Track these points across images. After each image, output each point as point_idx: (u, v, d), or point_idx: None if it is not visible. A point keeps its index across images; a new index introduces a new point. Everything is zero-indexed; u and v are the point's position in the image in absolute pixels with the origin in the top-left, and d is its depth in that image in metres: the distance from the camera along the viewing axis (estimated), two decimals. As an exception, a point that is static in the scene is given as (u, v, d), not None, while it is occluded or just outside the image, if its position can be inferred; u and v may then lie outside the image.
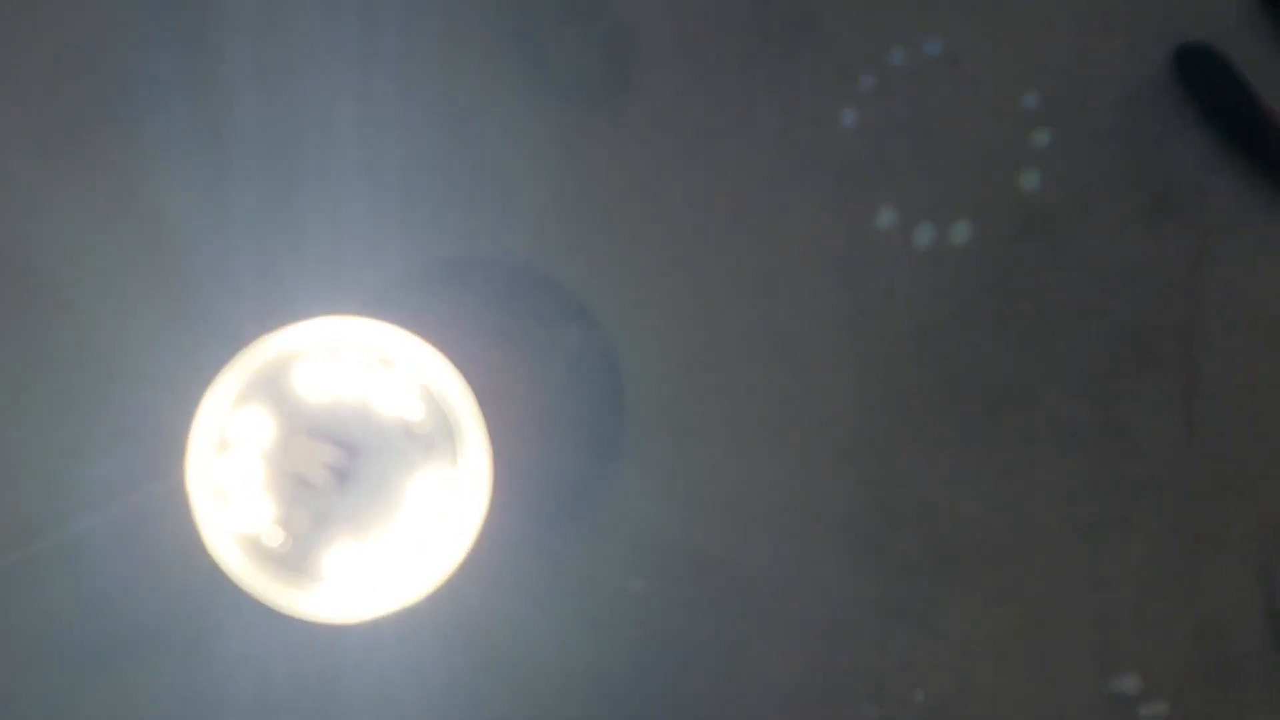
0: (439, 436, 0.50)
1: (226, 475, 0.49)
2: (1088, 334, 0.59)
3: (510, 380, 0.57)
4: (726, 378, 0.59)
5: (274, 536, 0.49)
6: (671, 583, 0.58)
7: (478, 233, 0.59)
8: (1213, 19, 0.60)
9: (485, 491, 0.48)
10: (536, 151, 0.59)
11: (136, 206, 0.58)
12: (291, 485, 0.49)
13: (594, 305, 0.58)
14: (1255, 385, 0.59)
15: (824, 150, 0.59)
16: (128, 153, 0.59)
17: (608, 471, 0.58)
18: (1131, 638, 0.58)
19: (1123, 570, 0.58)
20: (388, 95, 0.59)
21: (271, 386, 0.50)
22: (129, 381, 0.58)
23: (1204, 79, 0.59)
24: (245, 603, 0.49)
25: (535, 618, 0.58)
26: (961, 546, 0.58)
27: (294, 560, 0.49)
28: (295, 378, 0.50)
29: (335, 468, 0.50)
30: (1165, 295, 0.59)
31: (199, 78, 0.59)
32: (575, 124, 0.59)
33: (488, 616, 0.57)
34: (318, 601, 0.49)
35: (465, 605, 0.54)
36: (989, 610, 0.58)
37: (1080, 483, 0.58)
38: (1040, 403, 0.59)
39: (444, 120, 0.59)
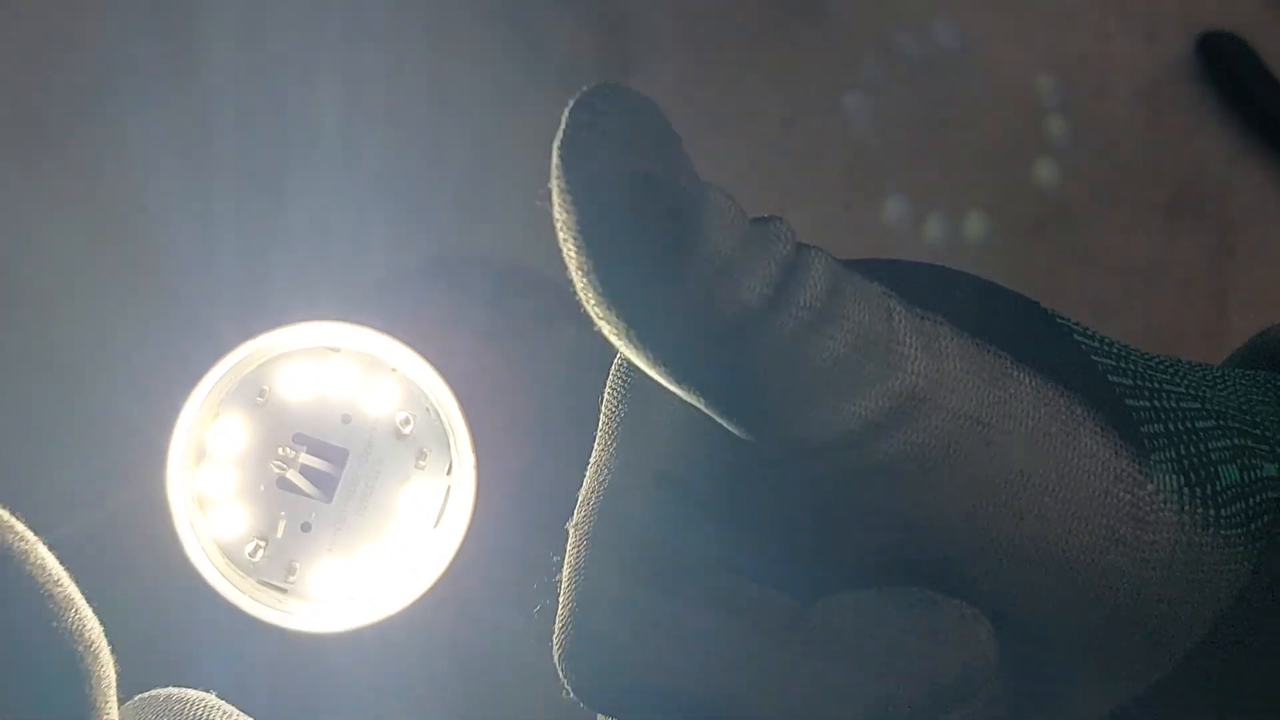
0: (428, 442, 0.49)
1: (206, 483, 0.48)
2: (1106, 333, 0.58)
3: (503, 383, 0.56)
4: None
5: (255, 546, 0.48)
6: (671, 594, 0.57)
7: (469, 228, 0.58)
8: (1237, 7, 0.59)
9: (470, 498, 0.47)
10: (531, 142, 0.58)
11: (114, 203, 0.57)
12: (274, 493, 0.48)
13: (591, 304, 0.57)
14: (1282, 388, 0.57)
15: (831, 140, 0.58)
16: (106, 146, 0.58)
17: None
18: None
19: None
20: (374, 83, 0.58)
21: (254, 391, 0.49)
22: (105, 385, 0.57)
23: (1228, 69, 0.58)
24: (226, 613, 0.48)
25: (527, 631, 0.57)
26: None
27: (276, 570, 0.48)
28: (279, 382, 0.49)
29: (320, 475, 0.48)
30: (1187, 293, 0.58)
31: (179, 66, 0.58)
32: (571, 115, 0.58)
33: (478, 628, 0.56)
34: (301, 612, 0.48)
35: (454, 616, 0.53)
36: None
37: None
38: (1056, 405, 0.58)
39: (433, 109, 0.58)
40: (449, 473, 0.49)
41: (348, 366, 0.49)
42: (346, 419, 0.49)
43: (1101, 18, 0.59)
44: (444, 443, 0.49)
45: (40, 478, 0.57)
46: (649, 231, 0.18)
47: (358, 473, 0.49)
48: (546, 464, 0.59)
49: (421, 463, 0.49)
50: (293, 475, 0.48)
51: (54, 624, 0.21)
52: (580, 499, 0.22)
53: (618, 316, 0.18)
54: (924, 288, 0.20)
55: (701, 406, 0.19)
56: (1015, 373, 0.19)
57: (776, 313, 0.18)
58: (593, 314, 0.19)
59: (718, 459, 0.21)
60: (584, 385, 0.59)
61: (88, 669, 0.21)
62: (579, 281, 0.19)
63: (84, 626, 0.21)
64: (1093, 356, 0.21)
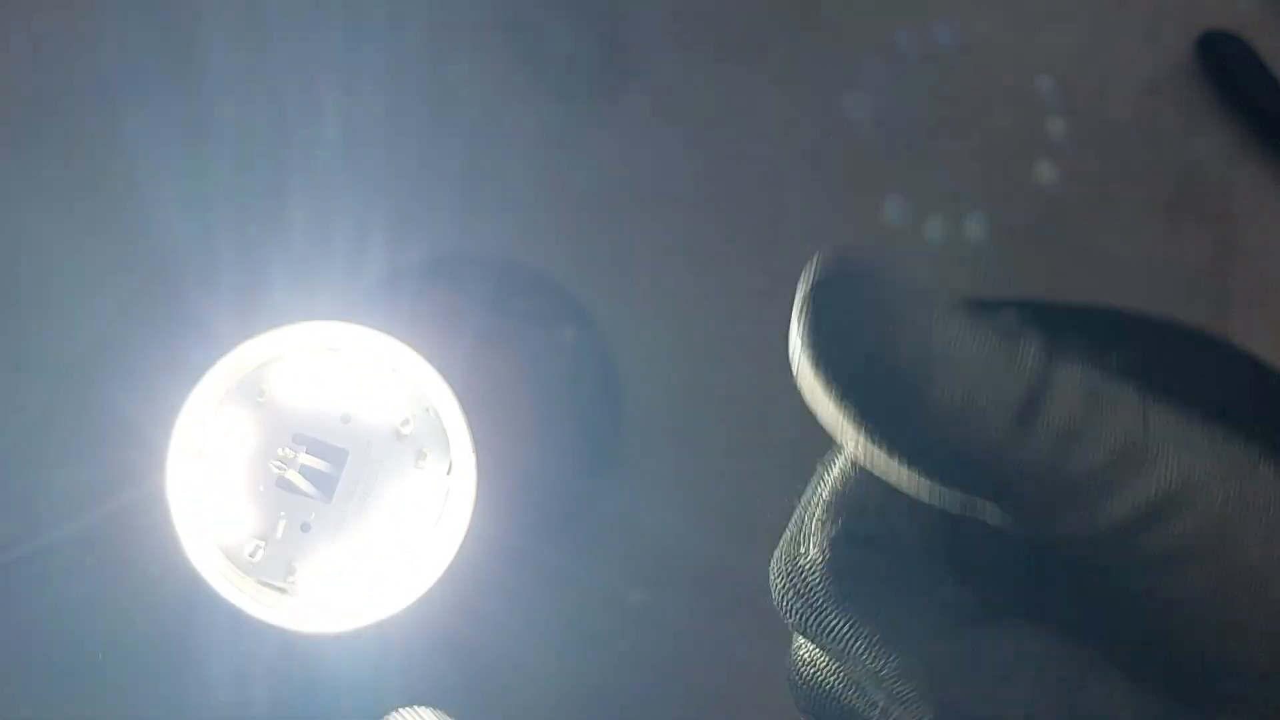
0: (428, 442, 0.49)
1: (206, 483, 0.48)
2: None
3: (502, 384, 0.56)
4: (729, 380, 0.57)
5: (255, 546, 0.48)
6: (672, 594, 0.57)
7: (468, 230, 0.58)
8: (1237, 7, 0.59)
9: (471, 499, 0.47)
10: (530, 144, 0.58)
11: (114, 203, 0.57)
12: (273, 493, 0.48)
13: (590, 305, 0.57)
14: (1282, 388, 0.57)
15: (830, 142, 0.58)
16: (106, 146, 0.58)
17: (605, 478, 0.57)
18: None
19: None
20: (374, 82, 0.58)
21: (253, 391, 0.49)
22: (105, 385, 0.57)
23: (1228, 68, 0.58)
24: (225, 614, 0.48)
25: (528, 631, 0.57)
26: (974, 555, 0.57)
27: (276, 570, 0.48)
28: (278, 382, 0.49)
29: (319, 475, 0.49)
30: (1188, 293, 0.58)
31: (179, 68, 0.58)
32: (570, 115, 0.58)
33: (477, 630, 0.56)
34: (300, 612, 0.48)
35: (454, 616, 0.53)
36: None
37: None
38: (1057, 405, 0.58)
39: (432, 112, 0.58)
40: (449, 473, 0.49)
41: (347, 366, 0.49)
42: (346, 419, 0.49)
43: (1101, 18, 0.59)
44: (443, 443, 0.49)
45: (40, 478, 0.57)
46: (878, 397, 0.20)
47: (357, 473, 0.49)
48: (546, 464, 0.59)
49: (421, 463, 0.49)
50: (292, 475, 0.48)
51: None
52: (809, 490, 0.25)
53: (878, 452, 0.21)
54: (1157, 344, 0.22)
55: (956, 510, 0.21)
56: (1261, 467, 0.20)
57: (1028, 435, 0.19)
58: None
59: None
60: (584, 385, 0.59)
61: None
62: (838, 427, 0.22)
63: None
64: None
